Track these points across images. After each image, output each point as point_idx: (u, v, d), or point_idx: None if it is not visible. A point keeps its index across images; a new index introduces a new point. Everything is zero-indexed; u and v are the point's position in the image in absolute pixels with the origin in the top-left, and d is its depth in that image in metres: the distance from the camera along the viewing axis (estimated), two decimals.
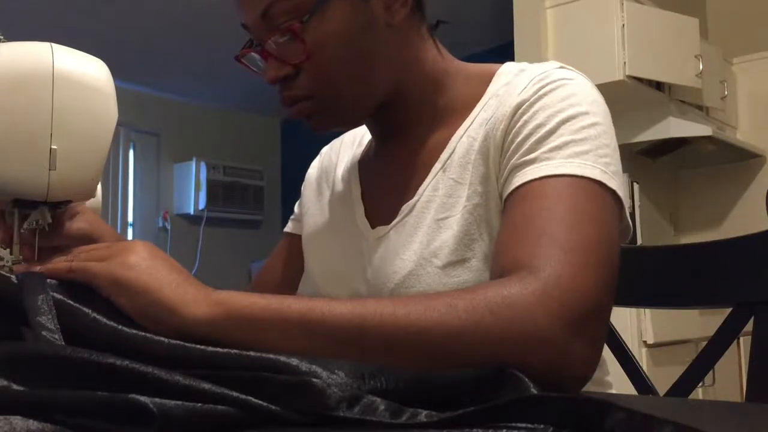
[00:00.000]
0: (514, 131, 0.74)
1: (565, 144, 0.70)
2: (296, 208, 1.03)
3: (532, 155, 0.71)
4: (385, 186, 0.87)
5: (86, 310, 0.56)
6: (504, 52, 2.79)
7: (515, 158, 0.72)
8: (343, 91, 0.79)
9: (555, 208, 0.66)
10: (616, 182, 0.70)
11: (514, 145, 0.73)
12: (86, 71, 0.67)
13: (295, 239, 0.99)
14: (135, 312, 0.59)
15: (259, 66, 0.81)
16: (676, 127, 2.90)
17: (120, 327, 0.54)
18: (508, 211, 0.70)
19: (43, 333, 0.55)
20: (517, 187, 0.70)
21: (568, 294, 0.60)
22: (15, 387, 0.48)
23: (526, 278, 0.60)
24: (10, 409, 0.45)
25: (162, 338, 0.51)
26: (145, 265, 0.61)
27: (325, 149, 1.03)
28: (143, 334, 0.52)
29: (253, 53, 0.80)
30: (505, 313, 0.58)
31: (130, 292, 0.60)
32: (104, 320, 0.55)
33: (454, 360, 0.57)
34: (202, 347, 0.49)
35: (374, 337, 0.57)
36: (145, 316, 0.59)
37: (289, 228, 1.02)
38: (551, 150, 0.70)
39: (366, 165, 0.93)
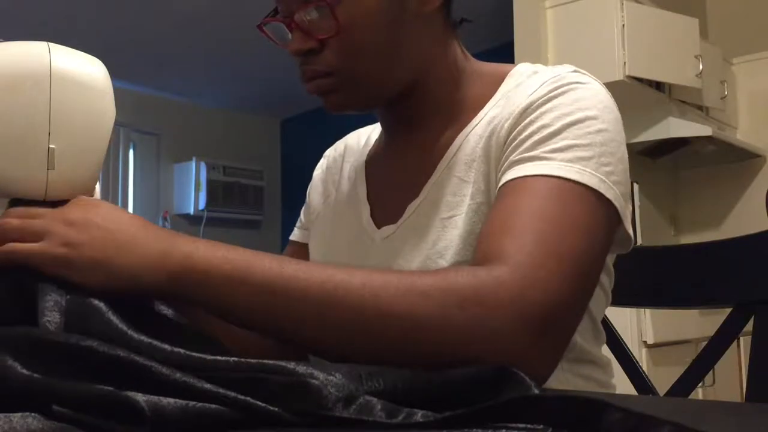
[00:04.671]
0: (518, 129, 0.73)
1: (568, 147, 0.69)
2: (302, 215, 1.01)
3: (532, 153, 0.70)
4: (392, 185, 0.86)
5: (104, 308, 0.56)
6: (504, 52, 2.79)
7: (514, 155, 0.71)
8: (365, 72, 0.78)
9: (545, 209, 0.65)
10: (616, 192, 0.69)
11: (515, 143, 0.72)
12: (84, 70, 0.67)
13: (302, 248, 0.97)
14: (92, 287, 0.59)
15: (281, 36, 0.81)
16: (676, 127, 2.90)
17: (129, 332, 0.54)
18: (498, 200, 0.70)
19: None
20: (511, 180, 0.69)
21: (539, 299, 0.59)
22: (20, 369, 0.48)
23: (501, 274, 0.60)
24: (9, 391, 0.46)
25: (165, 345, 0.51)
26: (87, 237, 0.60)
27: (328, 151, 1.03)
28: (149, 340, 0.52)
29: (278, 23, 0.79)
30: (473, 309, 0.58)
31: (80, 271, 0.59)
32: (116, 322, 0.55)
33: (415, 348, 0.58)
34: (201, 355, 0.49)
35: (336, 315, 0.58)
36: (104, 288, 0.59)
37: (295, 236, 1.01)
38: (552, 151, 0.69)
39: (373, 164, 0.92)
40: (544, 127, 0.71)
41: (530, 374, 0.54)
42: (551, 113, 0.72)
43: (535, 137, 0.71)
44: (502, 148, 0.75)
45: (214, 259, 0.60)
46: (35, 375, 0.48)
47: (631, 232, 0.74)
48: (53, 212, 0.63)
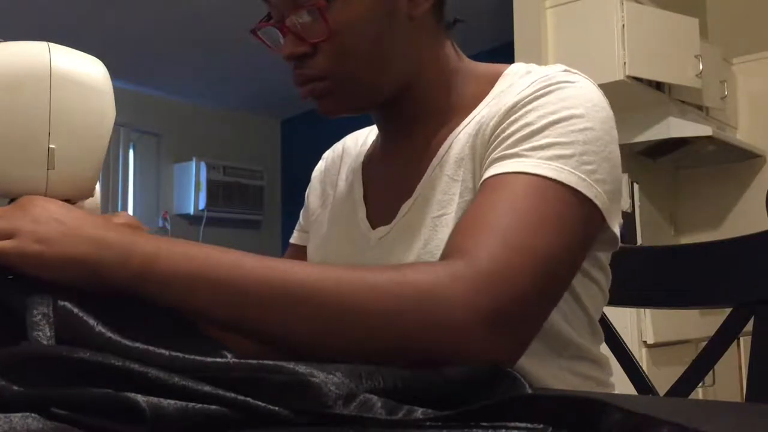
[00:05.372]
0: (502, 127, 0.73)
1: (549, 145, 0.69)
2: (301, 218, 1.02)
3: (512, 150, 0.70)
4: (388, 186, 0.86)
5: (92, 322, 0.55)
6: (504, 52, 2.79)
7: (496, 152, 0.72)
8: (358, 76, 0.79)
9: (515, 205, 0.65)
10: (597, 190, 0.68)
11: (498, 140, 0.73)
12: (84, 70, 0.67)
13: (302, 251, 0.98)
14: (65, 283, 0.58)
15: (275, 41, 0.81)
16: (676, 127, 2.90)
17: (123, 341, 0.53)
18: (476, 198, 0.70)
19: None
20: (490, 177, 0.69)
21: (497, 294, 0.59)
22: (15, 388, 0.48)
23: (459, 268, 0.60)
24: (6, 406, 0.45)
25: (162, 351, 0.50)
26: (58, 234, 0.58)
27: (327, 153, 1.03)
28: (145, 347, 0.52)
29: (271, 28, 0.80)
30: (427, 303, 0.58)
31: (53, 269, 0.58)
32: (108, 333, 0.54)
33: (371, 342, 0.58)
34: (200, 358, 0.49)
35: (295, 311, 0.58)
36: (78, 285, 0.58)
37: (295, 239, 1.01)
38: (533, 149, 0.69)
39: (370, 165, 0.92)
40: (527, 125, 0.71)
41: None
42: (536, 112, 0.72)
43: (518, 135, 0.71)
44: (486, 145, 0.75)
45: (174, 257, 0.59)
46: (29, 391, 0.47)
47: (616, 231, 0.73)
48: (12, 211, 0.61)
